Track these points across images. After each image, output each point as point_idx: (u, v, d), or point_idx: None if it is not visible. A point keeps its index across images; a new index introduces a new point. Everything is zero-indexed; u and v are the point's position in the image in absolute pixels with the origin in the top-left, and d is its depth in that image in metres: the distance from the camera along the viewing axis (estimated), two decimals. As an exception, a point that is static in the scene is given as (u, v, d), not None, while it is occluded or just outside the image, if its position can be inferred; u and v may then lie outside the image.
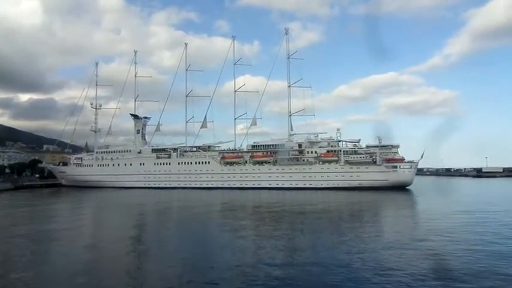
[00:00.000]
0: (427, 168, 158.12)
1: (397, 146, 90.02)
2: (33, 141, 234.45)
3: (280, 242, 24.21)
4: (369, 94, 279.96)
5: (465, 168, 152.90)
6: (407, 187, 74.39)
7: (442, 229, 27.36)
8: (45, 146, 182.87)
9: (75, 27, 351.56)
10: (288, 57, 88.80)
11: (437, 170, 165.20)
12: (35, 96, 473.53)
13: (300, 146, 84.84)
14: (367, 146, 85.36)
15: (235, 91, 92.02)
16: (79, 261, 19.88)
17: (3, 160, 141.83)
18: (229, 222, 34.47)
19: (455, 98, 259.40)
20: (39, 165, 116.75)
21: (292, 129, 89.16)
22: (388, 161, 79.22)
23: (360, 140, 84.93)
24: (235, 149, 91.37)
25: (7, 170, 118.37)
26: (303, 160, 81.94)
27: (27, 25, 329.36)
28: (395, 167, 76.03)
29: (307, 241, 24.85)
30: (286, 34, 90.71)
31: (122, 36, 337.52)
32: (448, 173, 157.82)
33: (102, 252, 23.12)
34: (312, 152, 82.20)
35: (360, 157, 78.89)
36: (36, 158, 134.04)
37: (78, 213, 46.68)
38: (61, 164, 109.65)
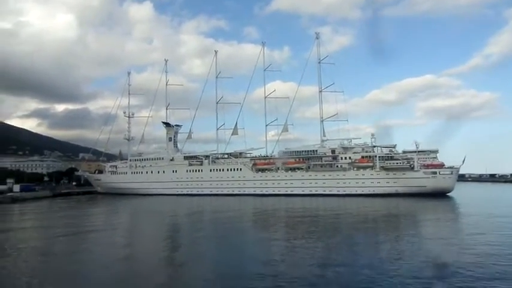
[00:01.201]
0: (469, 174, 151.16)
1: (436, 151, 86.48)
2: (70, 150, 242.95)
3: (314, 253, 22.80)
4: (403, 98, 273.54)
5: (511, 174, 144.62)
6: (447, 194, 70.75)
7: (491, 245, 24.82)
8: (80, 155, 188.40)
9: (108, 39, 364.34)
10: (319, 62, 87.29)
11: (480, 175, 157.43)
12: (70, 106, 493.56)
13: (333, 151, 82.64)
14: (404, 152, 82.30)
15: (265, 97, 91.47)
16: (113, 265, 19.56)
17: (42, 169, 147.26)
18: (262, 231, 33.45)
19: (496, 100, 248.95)
20: (76, 173, 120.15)
21: (324, 135, 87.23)
22: (427, 166, 75.84)
23: (395, 145, 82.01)
24: (267, 156, 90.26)
25: (46, 178, 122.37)
26: (337, 166, 79.69)
27: (63, 38, 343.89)
28: (435, 172, 72.51)
29: (342, 257, 22.46)
30: (317, 38, 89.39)
31: (153, 45, 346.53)
32: (493, 179, 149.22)
33: (137, 259, 22.79)
34: (345, 158, 79.87)
35: (397, 163, 75.81)
36: (73, 166, 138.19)
37: (114, 219, 47.14)
38: (96, 172, 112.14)
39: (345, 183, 75.95)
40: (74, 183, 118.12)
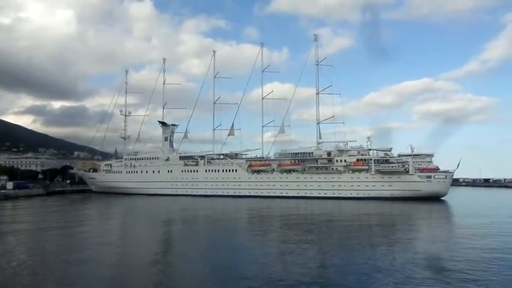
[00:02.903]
0: (463, 179, 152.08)
1: (431, 155, 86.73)
2: (65, 147, 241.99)
3: (308, 256, 22.80)
4: (401, 101, 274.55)
5: (505, 179, 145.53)
6: (441, 198, 71.11)
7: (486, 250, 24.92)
8: (76, 153, 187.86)
9: (107, 36, 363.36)
10: (317, 64, 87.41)
11: (474, 180, 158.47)
12: (67, 103, 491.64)
13: (328, 154, 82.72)
14: (399, 155, 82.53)
15: (262, 98, 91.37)
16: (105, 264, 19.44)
17: (36, 166, 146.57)
18: (256, 232, 33.38)
19: (493, 105, 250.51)
20: (70, 171, 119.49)
21: (320, 137, 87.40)
22: (422, 170, 76.12)
23: (391, 148, 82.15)
24: (263, 157, 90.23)
25: (40, 176, 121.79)
26: (332, 169, 79.78)
27: (61, 34, 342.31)
28: (430, 176, 72.81)
29: (337, 259, 22.22)
30: (315, 40, 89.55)
31: (152, 44, 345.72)
32: (486, 183, 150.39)
33: (128, 256, 22.84)
34: (341, 161, 79.93)
35: (392, 166, 76.00)
36: (68, 164, 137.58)
37: (107, 219, 46.96)
38: (91, 170, 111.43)
39: (340, 186, 76.05)
40: (68, 181, 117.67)
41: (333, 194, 75.40)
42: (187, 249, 25.53)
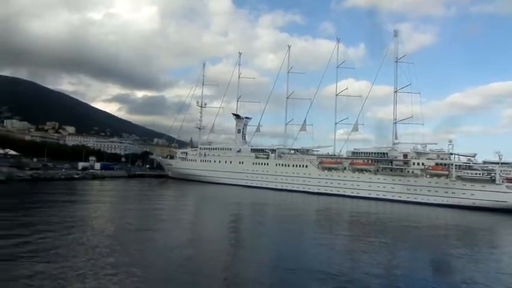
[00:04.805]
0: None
1: (523, 164, 78.91)
2: (145, 134, 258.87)
3: (376, 262, 22.13)
4: (487, 103, 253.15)
5: None
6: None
7: None
8: (155, 140, 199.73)
9: (187, 31, 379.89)
10: (396, 61, 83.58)
11: None
12: (148, 93, 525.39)
13: (405, 156, 78.98)
14: (485, 162, 76.39)
15: (336, 95, 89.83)
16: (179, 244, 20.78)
17: (120, 150, 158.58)
18: (325, 231, 33.13)
19: None
20: (150, 156, 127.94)
21: (396, 138, 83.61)
22: (511, 180, 69.72)
23: (475, 154, 76.28)
24: (334, 155, 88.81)
25: (123, 159, 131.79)
26: (408, 171, 76.11)
27: (145, 29, 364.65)
28: (520, 188, 66.41)
29: (401, 271, 21.08)
30: (396, 36, 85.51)
31: (229, 38, 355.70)
32: None
33: (201, 242, 24.11)
34: (418, 164, 75.91)
35: (475, 173, 70.53)
36: (147, 150, 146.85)
37: (183, 202, 50.00)
38: (168, 157, 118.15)
39: (415, 190, 72.32)
40: (147, 165, 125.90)
41: (408, 198, 71.94)
42: (258, 241, 26.21)
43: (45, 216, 28.42)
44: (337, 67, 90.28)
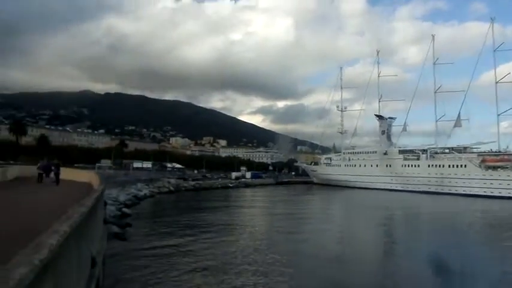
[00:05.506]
0: None
1: None
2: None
3: None
4: None
5: None
6: None
7: None
8: (298, 147, 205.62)
9: (321, 37, 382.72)
10: None
11: None
12: (288, 102, 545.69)
13: None
14: None
15: (496, 82, 78.88)
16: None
17: (266, 159, 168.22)
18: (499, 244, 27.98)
19: None
20: (295, 164, 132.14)
21: None
22: None
23: None
24: (500, 151, 77.37)
25: (270, 168, 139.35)
26: None
27: (281, 41, 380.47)
28: None
29: None
30: None
31: (365, 38, 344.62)
32: None
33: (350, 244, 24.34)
34: None
35: None
36: (292, 157, 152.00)
37: (331, 208, 51.29)
38: (313, 163, 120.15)
39: None
40: (293, 173, 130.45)
41: None
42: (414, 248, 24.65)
43: (210, 219, 32.28)
44: (494, 51, 79.80)
